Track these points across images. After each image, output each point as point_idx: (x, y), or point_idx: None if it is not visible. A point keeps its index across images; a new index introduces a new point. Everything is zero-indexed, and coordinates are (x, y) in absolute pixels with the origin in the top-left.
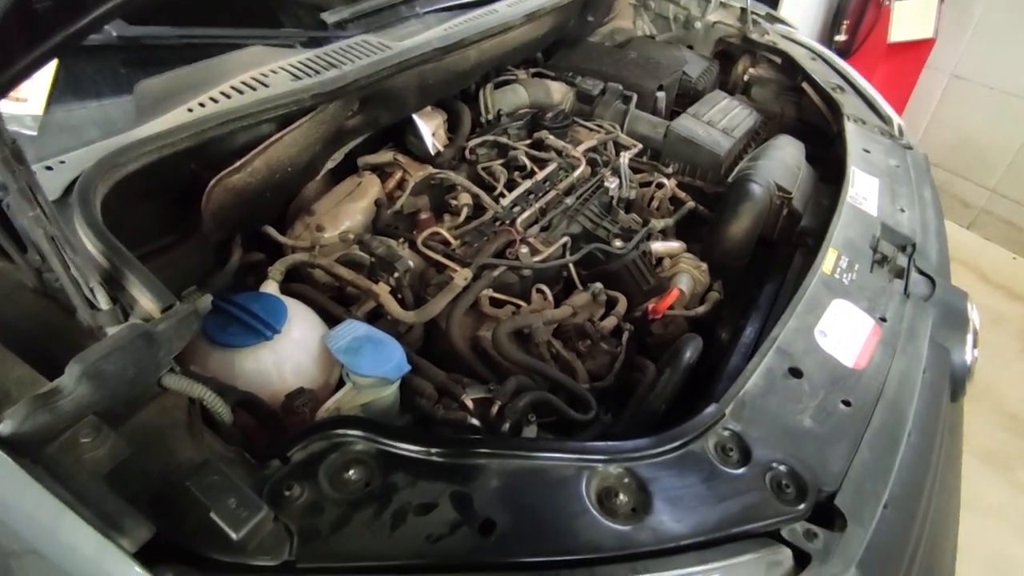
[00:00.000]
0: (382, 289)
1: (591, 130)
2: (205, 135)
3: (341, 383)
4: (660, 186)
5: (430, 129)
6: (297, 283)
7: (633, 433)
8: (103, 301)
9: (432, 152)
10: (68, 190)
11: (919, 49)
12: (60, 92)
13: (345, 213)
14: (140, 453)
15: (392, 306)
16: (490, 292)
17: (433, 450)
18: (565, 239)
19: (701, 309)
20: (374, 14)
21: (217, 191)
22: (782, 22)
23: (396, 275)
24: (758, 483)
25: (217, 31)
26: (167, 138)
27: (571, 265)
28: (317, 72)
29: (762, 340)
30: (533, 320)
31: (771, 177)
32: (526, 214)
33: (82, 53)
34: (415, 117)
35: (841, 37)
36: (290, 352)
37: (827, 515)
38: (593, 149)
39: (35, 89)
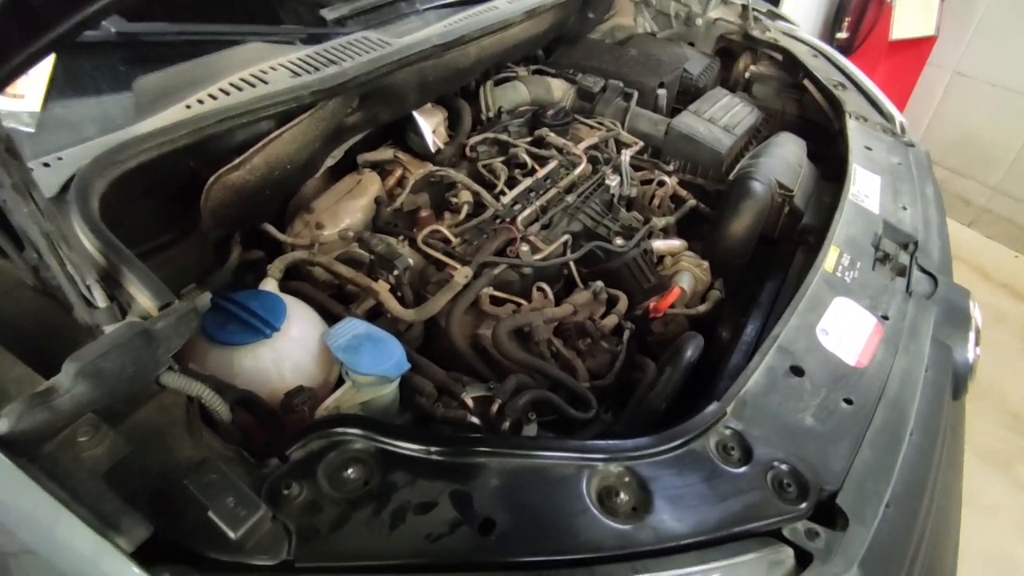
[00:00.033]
0: (382, 287)
1: (592, 128)
2: (204, 132)
3: (340, 381)
4: (661, 184)
5: (430, 126)
6: (296, 281)
7: (634, 432)
8: (100, 299)
9: (432, 149)
10: (66, 187)
11: (921, 46)
12: (58, 88)
13: (345, 211)
14: (138, 451)
15: (392, 304)
16: (490, 290)
17: (433, 449)
18: (566, 237)
19: (702, 307)
20: (374, 10)
21: (216, 188)
22: (783, 19)
23: (396, 273)
24: (759, 482)
25: (216, 27)
26: (165, 135)
27: (572, 263)
28: (316, 69)
29: (763, 338)
30: (533, 318)
31: (772, 175)
32: (527, 212)
33: (80, 49)
34: (415, 114)
35: (842, 34)
36: (289, 350)
37: (829, 514)
38: (594, 147)
39: (32, 85)
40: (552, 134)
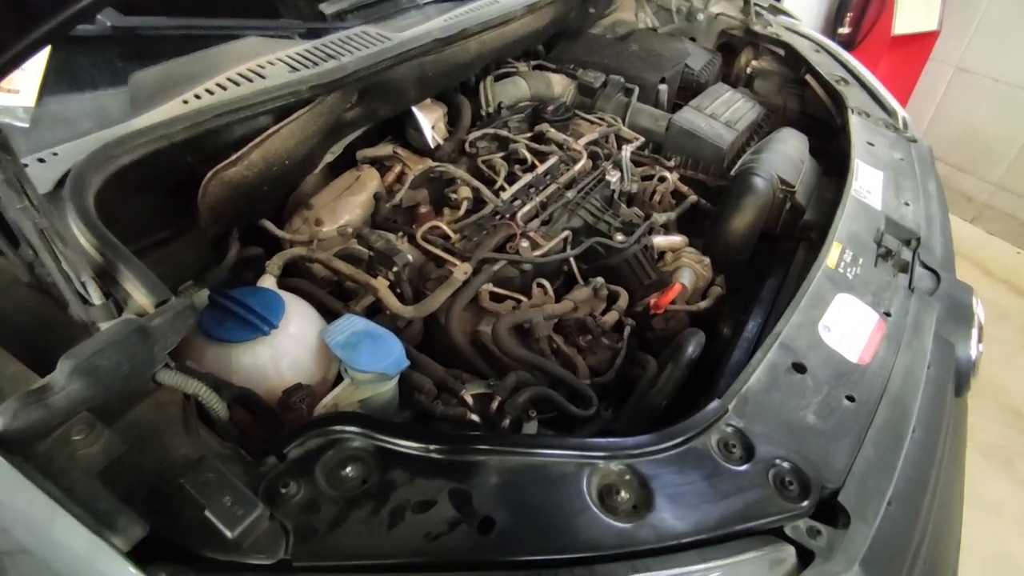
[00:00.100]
0: (381, 283)
1: (592, 123)
2: (201, 127)
3: (339, 379)
4: (662, 180)
5: (430, 122)
6: (295, 277)
7: (634, 429)
8: (95, 296)
9: (432, 145)
10: (61, 183)
11: (923, 41)
12: (53, 83)
13: (344, 207)
14: (134, 450)
15: (391, 301)
16: (490, 287)
17: (432, 447)
18: (566, 233)
19: (703, 304)
20: (373, 5)
21: (213, 184)
22: (785, 14)
23: (395, 269)
24: (761, 480)
25: (214, 21)
26: (162, 130)
27: (572, 259)
28: (315, 63)
29: (765, 335)
30: (533, 315)
31: (774, 170)
32: (526, 208)
33: (75, 43)
34: (415, 110)
35: (845, 30)
36: (287, 347)
37: (831, 512)
38: (594, 142)
39: (27, 80)
40: (552, 130)
